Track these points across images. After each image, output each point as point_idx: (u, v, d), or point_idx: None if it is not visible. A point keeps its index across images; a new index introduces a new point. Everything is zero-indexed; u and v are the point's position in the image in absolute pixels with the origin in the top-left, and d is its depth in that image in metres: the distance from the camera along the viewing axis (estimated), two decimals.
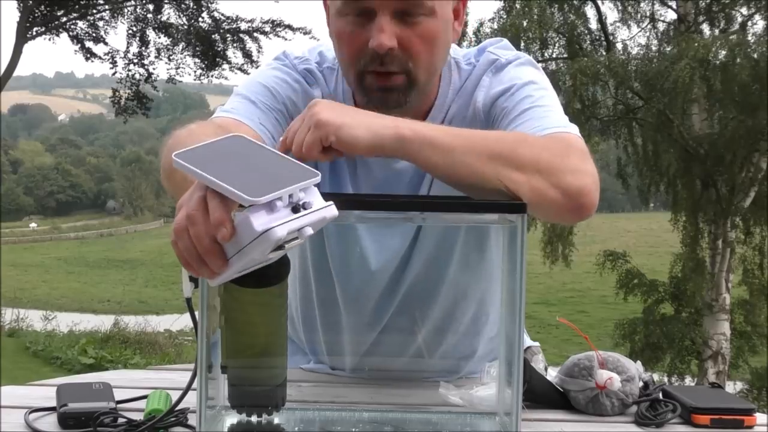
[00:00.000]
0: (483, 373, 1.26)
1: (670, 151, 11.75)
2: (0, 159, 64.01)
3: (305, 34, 15.12)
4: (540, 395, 1.28)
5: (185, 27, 15.42)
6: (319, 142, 1.04)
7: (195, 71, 15.60)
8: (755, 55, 10.56)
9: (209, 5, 15.34)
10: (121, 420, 1.15)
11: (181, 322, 17.61)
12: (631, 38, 15.98)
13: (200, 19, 15.44)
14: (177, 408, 1.13)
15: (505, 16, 12.30)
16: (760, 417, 1.26)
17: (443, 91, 1.33)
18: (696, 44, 10.44)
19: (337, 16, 1.25)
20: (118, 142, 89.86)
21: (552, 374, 1.35)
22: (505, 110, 1.25)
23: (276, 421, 1.12)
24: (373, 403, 1.30)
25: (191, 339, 15.52)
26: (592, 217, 1.12)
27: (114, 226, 60.26)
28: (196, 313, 1.02)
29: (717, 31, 11.91)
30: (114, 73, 15.44)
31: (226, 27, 15.37)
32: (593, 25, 12.85)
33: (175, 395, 1.15)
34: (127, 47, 15.42)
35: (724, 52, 10.70)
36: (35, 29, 14.81)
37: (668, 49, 11.95)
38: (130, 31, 15.34)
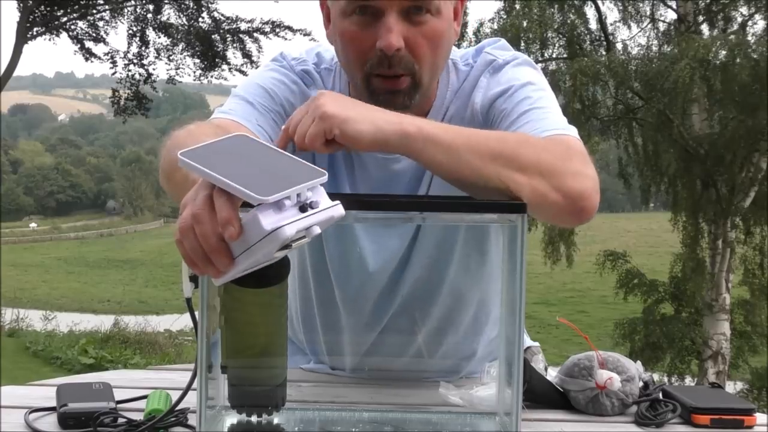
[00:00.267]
0: (483, 373, 1.26)
1: (670, 151, 11.75)
2: (0, 159, 64.02)
3: (305, 35, 15.12)
4: (540, 395, 1.28)
5: (185, 27, 15.42)
6: (322, 134, 1.04)
7: (195, 71, 15.62)
8: (755, 55, 10.56)
9: (209, 5, 15.34)
10: (121, 420, 1.15)
11: (181, 322, 17.61)
12: (631, 38, 16.01)
13: (200, 19, 15.43)
14: (177, 408, 1.13)
15: (505, 17, 12.31)
16: (760, 417, 1.26)
17: (441, 92, 1.33)
18: (696, 44, 10.44)
19: (341, 17, 1.24)
20: (118, 142, 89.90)
21: (552, 374, 1.35)
22: (504, 112, 1.25)
23: (276, 421, 1.12)
24: (373, 403, 1.30)
25: (191, 339, 15.52)
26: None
27: (114, 226, 60.26)
28: (196, 313, 1.02)
29: (717, 31, 11.92)
30: (114, 73, 15.46)
31: (226, 27, 15.36)
32: (593, 25, 12.87)
33: (175, 395, 1.14)
34: (128, 47, 15.44)
35: (724, 52, 10.70)
36: (35, 29, 14.80)
37: (668, 49, 11.96)
38: (130, 31, 15.34)
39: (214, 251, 0.86)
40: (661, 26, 12.89)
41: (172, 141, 1.17)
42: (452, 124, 1.30)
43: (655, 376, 1.74)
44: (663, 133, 11.41)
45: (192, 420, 1.14)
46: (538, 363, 1.37)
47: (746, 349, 12.44)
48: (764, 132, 10.72)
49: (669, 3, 12.64)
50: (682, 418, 1.25)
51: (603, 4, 12.98)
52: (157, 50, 15.48)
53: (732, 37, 11.17)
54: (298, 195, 0.85)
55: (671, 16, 12.74)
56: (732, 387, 12.07)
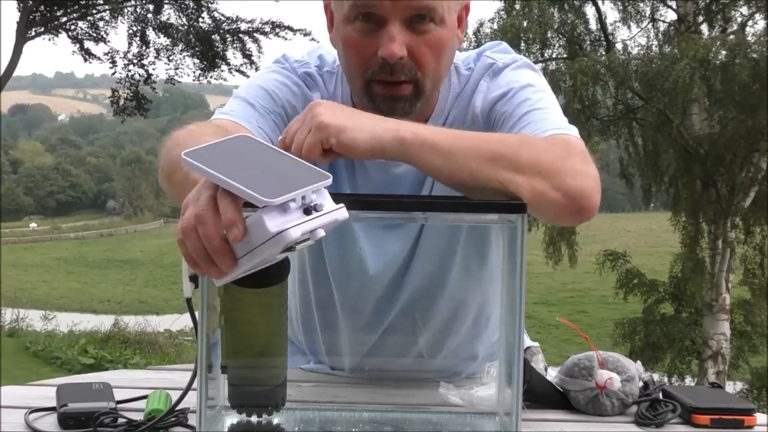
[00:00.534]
0: (483, 373, 1.26)
1: (670, 151, 11.76)
2: (0, 159, 64.01)
3: (305, 35, 15.11)
4: (540, 395, 1.28)
5: (185, 27, 15.41)
6: (319, 144, 1.04)
7: (194, 72, 15.62)
8: (755, 55, 10.57)
9: (209, 5, 15.34)
10: (121, 420, 1.15)
11: (181, 322, 17.62)
12: (631, 38, 16.04)
13: (200, 19, 15.44)
14: (177, 408, 1.13)
15: (505, 17, 12.31)
16: (760, 417, 1.26)
17: (443, 96, 1.33)
18: (696, 44, 10.44)
19: (344, 22, 1.23)
20: (118, 142, 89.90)
21: (552, 374, 1.35)
22: (505, 114, 1.25)
23: (276, 421, 1.12)
24: (373, 403, 1.30)
25: (191, 339, 15.52)
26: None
27: (114, 226, 60.27)
28: (196, 313, 1.02)
29: (717, 31, 11.92)
30: (114, 74, 15.46)
31: (226, 27, 15.36)
32: (593, 25, 12.88)
33: (175, 395, 1.14)
34: (128, 47, 15.44)
35: (724, 52, 10.71)
36: (35, 29, 14.80)
37: (668, 49, 11.96)
38: (130, 32, 15.34)
39: (217, 252, 0.86)
40: (661, 26, 12.91)
41: (172, 141, 1.17)
42: (453, 128, 1.29)
43: (655, 376, 1.73)
44: (663, 133, 11.41)
45: (192, 420, 1.14)
46: (538, 363, 1.37)
47: (746, 349, 12.45)
48: (764, 132, 10.72)
49: (669, 3, 12.65)
50: (682, 418, 1.25)
51: (603, 4, 13.02)
52: (157, 50, 15.50)
53: (732, 37, 11.18)
54: (303, 197, 0.85)
55: (671, 16, 12.77)
56: (732, 387, 12.07)
